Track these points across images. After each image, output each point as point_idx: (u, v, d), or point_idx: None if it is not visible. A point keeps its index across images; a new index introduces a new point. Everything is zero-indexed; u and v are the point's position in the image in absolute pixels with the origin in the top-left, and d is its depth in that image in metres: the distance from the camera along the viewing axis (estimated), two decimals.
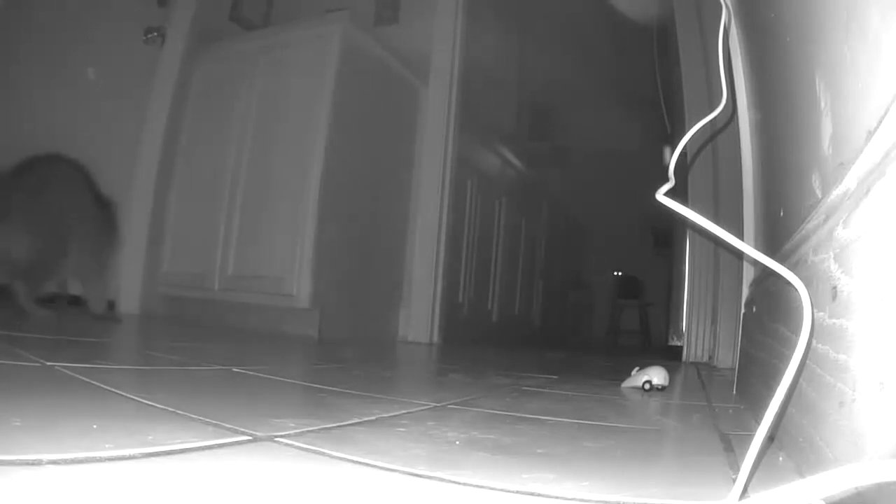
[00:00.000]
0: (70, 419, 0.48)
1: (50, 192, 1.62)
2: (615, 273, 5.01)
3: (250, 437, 0.48)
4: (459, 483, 0.40)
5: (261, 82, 2.22)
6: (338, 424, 0.57)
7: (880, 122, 0.36)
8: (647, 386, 1.08)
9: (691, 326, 2.22)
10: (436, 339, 2.45)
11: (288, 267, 2.01)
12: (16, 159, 1.63)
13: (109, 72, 2.25)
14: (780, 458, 0.52)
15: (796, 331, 0.42)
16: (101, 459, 0.37)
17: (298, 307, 1.99)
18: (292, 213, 2.03)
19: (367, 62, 2.23)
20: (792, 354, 0.38)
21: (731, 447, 0.59)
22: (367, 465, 0.43)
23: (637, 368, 1.13)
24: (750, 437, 0.37)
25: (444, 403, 0.77)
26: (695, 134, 0.83)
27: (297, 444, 0.47)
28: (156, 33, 2.37)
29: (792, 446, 0.51)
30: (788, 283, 0.43)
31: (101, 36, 2.22)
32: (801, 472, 0.47)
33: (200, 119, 2.39)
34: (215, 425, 0.51)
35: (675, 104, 2.45)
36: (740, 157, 1.24)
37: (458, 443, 0.53)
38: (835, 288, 0.40)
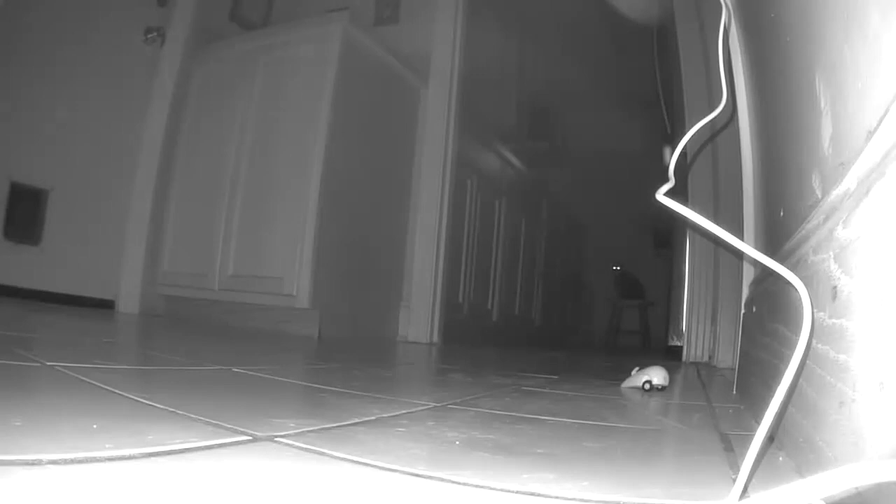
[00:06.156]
0: (70, 419, 0.48)
1: None
2: (614, 267, 4.98)
3: (250, 437, 0.48)
4: (459, 483, 0.40)
5: (261, 82, 2.22)
6: (338, 424, 0.57)
7: (880, 122, 0.36)
8: (647, 386, 1.08)
9: (691, 326, 2.22)
10: (436, 339, 2.45)
11: (288, 267, 2.01)
12: None
13: (109, 72, 2.25)
14: (780, 458, 0.52)
15: (796, 331, 0.42)
16: (101, 459, 0.37)
17: (298, 307, 1.99)
18: (292, 213, 2.03)
19: (367, 62, 2.23)
20: (792, 354, 0.38)
21: (731, 447, 0.59)
22: (367, 464, 0.43)
23: (637, 368, 1.13)
24: (750, 437, 0.37)
25: (443, 403, 0.77)
26: (695, 134, 0.83)
27: (297, 444, 0.47)
28: (156, 33, 2.37)
29: (792, 446, 0.51)
30: (788, 283, 0.43)
31: (101, 36, 2.23)
32: (801, 472, 0.47)
33: (200, 119, 2.39)
34: (215, 425, 0.51)
35: (675, 104, 2.45)
36: (740, 157, 1.24)
37: (458, 443, 0.53)
38: (835, 288, 0.40)
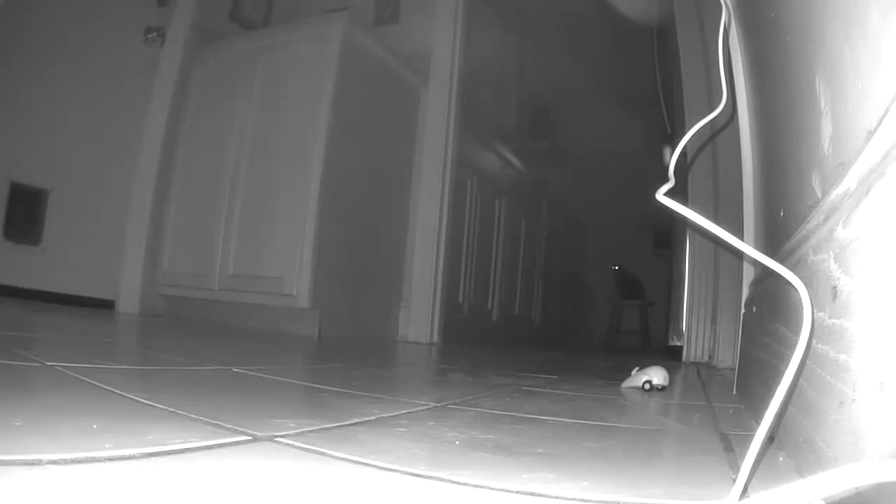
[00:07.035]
0: (70, 419, 0.48)
1: None
2: (613, 267, 4.96)
3: (250, 437, 0.48)
4: (459, 483, 0.40)
5: (261, 82, 2.22)
6: (338, 424, 0.57)
7: (880, 121, 0.36)
8: (647, 386, 1.08)
9: (691, 326, 2.22)
10: (436, 339, 2.45)
11: (288, 267, 2.01)
12: None
13: (109, 72, 2.25)
14: (780, 458, 0.52)
15: (796, 331, 0.42)
16: (101, 459, 0.37)
17: (298, 307, 1.99)
18: (292, 213, 2.03)
19: (367, 62, 2.23)
20: (792, 354, 0.38)
21: (731, 447, 0.59)
22: (367, 464, 0.43)
23: (637, 368, 1.13)
24: (750, 437, 0.37)
25: (443, 403, 0.77)
26: (695, 134, 0.84)
27: (297, 444, 0.47)
28: (156, 33, 2.37)
29: (792, 446, 0.51)
30: (788, 283, 0.43)
31: (101, 36, 2.22)
32: (801, 472, 0.47)
33: (200, 119, 2.39)
34: (215, 425, 0.51)
35: (675, 104, 2.45)
36: (740, 157, 1.24)
37: (458, 443, 0.53)
38: (835, 288, 0.40)
